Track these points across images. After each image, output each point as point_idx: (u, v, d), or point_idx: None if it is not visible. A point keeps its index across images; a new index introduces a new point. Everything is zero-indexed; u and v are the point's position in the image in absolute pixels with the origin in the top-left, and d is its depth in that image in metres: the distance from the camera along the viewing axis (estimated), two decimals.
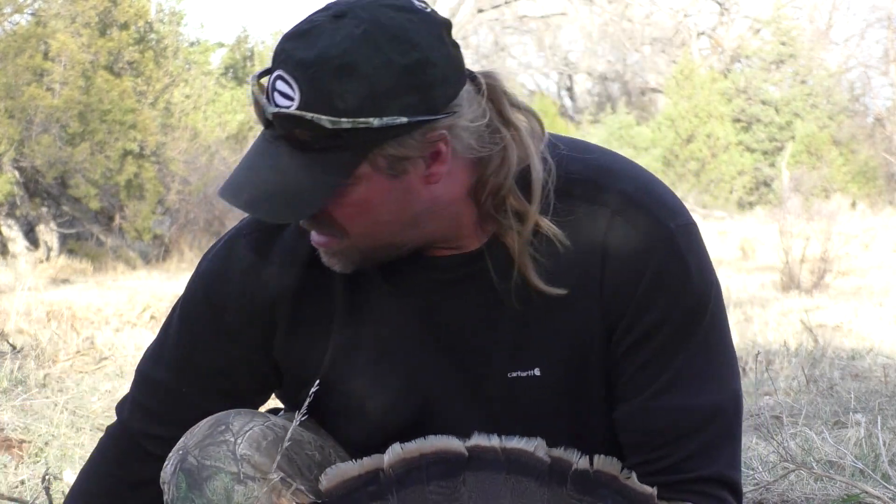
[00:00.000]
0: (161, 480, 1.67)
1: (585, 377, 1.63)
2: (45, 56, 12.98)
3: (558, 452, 1.61)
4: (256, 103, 1.51)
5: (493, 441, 1.61)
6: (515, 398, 1.64)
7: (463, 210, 1.58)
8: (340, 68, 1.45)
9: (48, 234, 13.68)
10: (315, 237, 1.58)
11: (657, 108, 28.23)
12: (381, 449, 1.66)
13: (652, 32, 29.46)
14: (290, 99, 1.47)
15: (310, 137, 1.47)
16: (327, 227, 1.55)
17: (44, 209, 13.69)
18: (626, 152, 24.47)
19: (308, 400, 1.63)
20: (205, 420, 1.68)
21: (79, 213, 13.92)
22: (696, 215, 20.47)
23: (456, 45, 1.52)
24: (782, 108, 23.95)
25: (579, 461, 1.61)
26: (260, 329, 1.69)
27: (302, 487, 1.64)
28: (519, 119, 1.58)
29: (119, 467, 1.80)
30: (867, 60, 27.97)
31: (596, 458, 1.61)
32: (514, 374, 1.63)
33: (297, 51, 1.47)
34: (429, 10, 1.52)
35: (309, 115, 1.46)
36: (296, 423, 1.63)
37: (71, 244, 13.90)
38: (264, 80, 1.52)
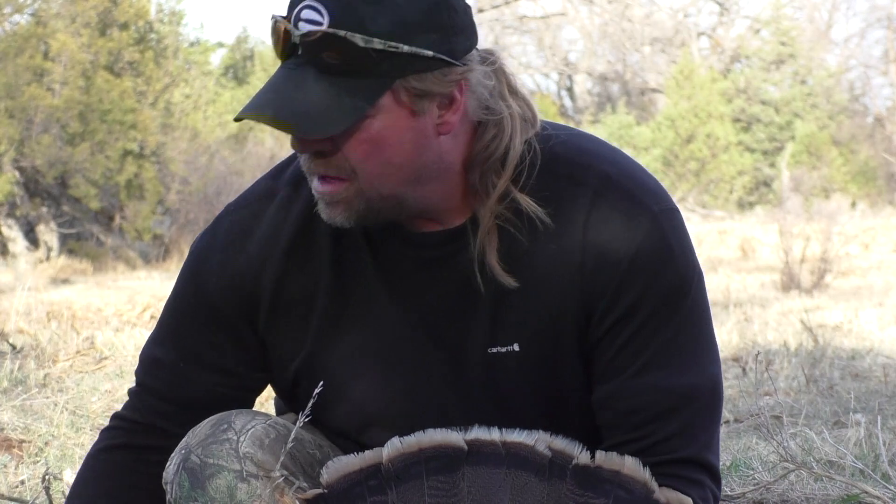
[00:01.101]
0: (164, 480, 1.66)
1: (561, 356, 1.63)
2: (45, 56, 13.00)
3: (560, 445, 1.60)
4: (282, 31, 1.52)
5: (494, 434, 1.60)
6: (494, 375, 1.64)
7: (457, 179, 1.60)
8: None
9: (48, 234, 13.70)
10: (319, 186, 1.57)
11: (657, 108, 28.20)
12: (358, 434, 1.67)
13: (652, 32, 29.44)
14: (319, 24, 1.49)
15: (338, 60, 1.50)
16: (336, 167, 1.55)
17: (44, 209, 13.70)
18: (626, 152, 24.36)
19: (312, 401, 1.63)
20: (207, 420, 1.68)
21: (79, 213, 13.94)
22: (696, 215, 20.50)
23: (468, 5, 1.57)
24: (782, 108, 23.96)
25: (580, 455, 1.59)
26: (241, 304, 1.69)
27: (305, 485, 1.64)
28: (517, 101, 1.62)
29: (117, 478, 1.76)
30: (867, 60, 27.99)
31: (598, 453, 1.60)
32: (494, 350, 1.63)
33: None
34: None
35: (342, 31, 1.48)
36: (300, 422, 1.63)
37: (71, 244, 13.91)
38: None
